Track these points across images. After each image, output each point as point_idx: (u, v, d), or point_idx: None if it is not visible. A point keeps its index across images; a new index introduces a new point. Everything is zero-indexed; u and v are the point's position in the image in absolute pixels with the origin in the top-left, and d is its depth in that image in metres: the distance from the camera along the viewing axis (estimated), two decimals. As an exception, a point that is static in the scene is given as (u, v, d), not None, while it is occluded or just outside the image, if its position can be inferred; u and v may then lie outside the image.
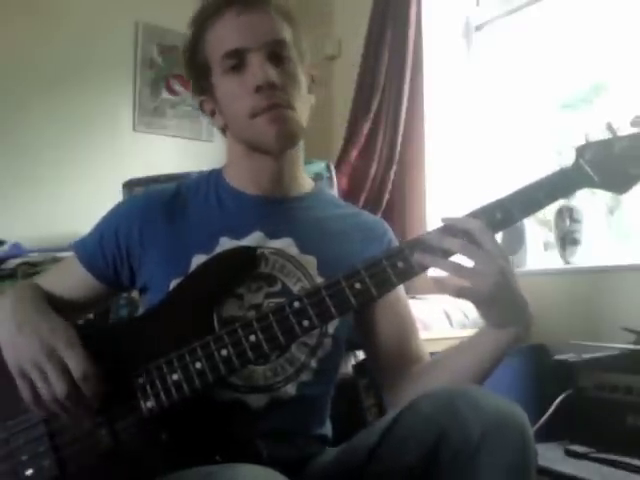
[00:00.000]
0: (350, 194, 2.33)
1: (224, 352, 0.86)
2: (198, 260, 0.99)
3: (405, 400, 0.94)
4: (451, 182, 2.38)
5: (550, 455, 1.43)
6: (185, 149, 2.81)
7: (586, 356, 1.54)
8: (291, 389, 0.98)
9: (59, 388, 0.85)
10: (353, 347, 1.19)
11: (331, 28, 2.91)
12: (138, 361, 0.89)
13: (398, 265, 0.86)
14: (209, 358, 0.86)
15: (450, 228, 0.86)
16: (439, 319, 1.86)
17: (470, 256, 0.84)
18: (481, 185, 2.40)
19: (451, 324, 1.87)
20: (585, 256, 1.93)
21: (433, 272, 0.91)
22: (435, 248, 0.85)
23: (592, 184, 0.89)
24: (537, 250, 2.11)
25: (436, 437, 0.78)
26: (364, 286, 0.85)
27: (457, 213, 0.89)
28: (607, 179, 0.89)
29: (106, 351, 0.91)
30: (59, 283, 1.07)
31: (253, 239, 1.02)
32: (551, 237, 2.05)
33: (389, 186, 2.36)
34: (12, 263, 2.07)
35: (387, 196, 2.36)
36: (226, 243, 1.01)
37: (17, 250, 2.19)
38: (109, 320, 1.63)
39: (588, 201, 1.98)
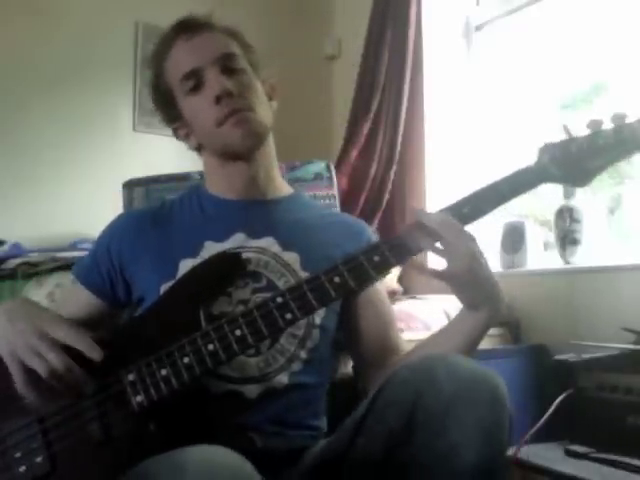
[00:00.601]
0: (350, 194, 2.33)
1: (211, 346, 0.89)
2: (185, 264, 1.07)
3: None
4: (451, 182, 2.38)
5: (550, 455, 1.43)
6: (185, 149, 2.79)
7: (586, 356, 1.54)
8: (284, 378, 1.03)
9: (55, 362, 0.87)
10: (342, 347, 1.21)
11: (331, 28, 2.91)
12: (129, 359, 0.92)
13: (374, 259, 0.91)
14: (196, 353, 0.90)
15: (421, 223, 0.93)
16: (439, 319, 1.85)
17: (442, 243, 0.92)
18: (481, 185, 2.40)
19: (451, 324, 1.87)
20: (585, 256, 1.93)
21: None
22: (412, 240, 0.92)
23: (554, 179, 0.97)
24: (537, 250, 2.11)
25: (412, 399, 0.82)
26: (343, 279, 0.90)
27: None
28: (567, 173, 0.97)
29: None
30: (66, 305, 1.15)
31: (236, 240, 1.10)
32: (551, 237, 2.05)
33: (389, 186, 2.36)
34: (12, 263, 2.07)
35: (387, 196, 2.36)
36: (211, 246, 1.09)
37: (17, 250, 2.19)
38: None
39: (588, 201, 1.98)
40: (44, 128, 2.49)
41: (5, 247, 2.20)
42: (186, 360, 0.89)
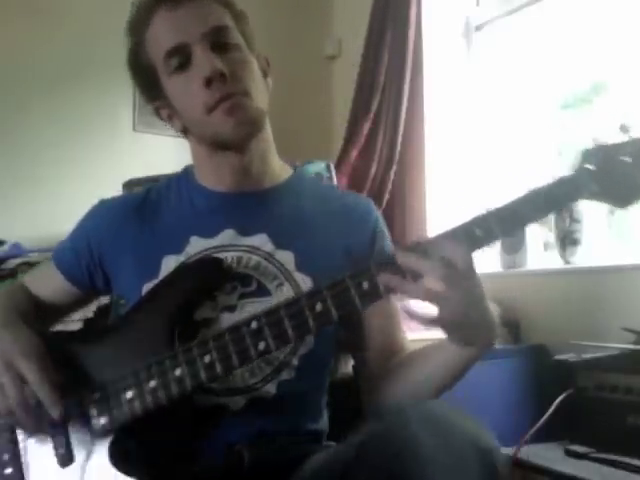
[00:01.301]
0: (350, 194, 2.33)
1: (178, 371, 0.84)
2: (168, 261, 0.99)
3: (383, 391, 0.98)
4: (451, 182, 2.38)
5: (550, 455, 1.43)
6: (185, 149, 2.78)
7: (586, 356, 1.54)
8: (271, 388, 0.95)
9: (12, 399, 0.86)
10: (343, 347, 1.18)
11: (331, 28, 2.91)
12: (96, 376, 0.89)
13: (363, 286, 0.80)
14: (162, 376, 0.84)
15: (422, 249, 0.80)
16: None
17: (440, 278, 0.78)
18: (481, 185, 2.40)
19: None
20: (585, 256, 1.93)
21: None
22: (404, 269, 0.79)
23: (591, 195, 0.84)
24: (537, 250, 2.11)
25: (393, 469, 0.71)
26: (325, 307, 0.81)
27: (446, 224, 0.84)
28: (609, 189, 0.82)
29: (66, 363, 0.91)
30: (43, 285, 1.10)
31: (224, 237, 0.99)
32: (551, 237, 2.04)
33: (389, 186, 2.36)
34: (12, 263, 2.07)
35: (387, 196, 2.36)
36: (197, 242, 0.99)
37: (17, 250, 2.19)
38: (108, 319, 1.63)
39: (588, 201, 1.98)
40: (44, 128, 2.49)
41: (5, 247, 2.20)
42: (152, 384, 0.84)
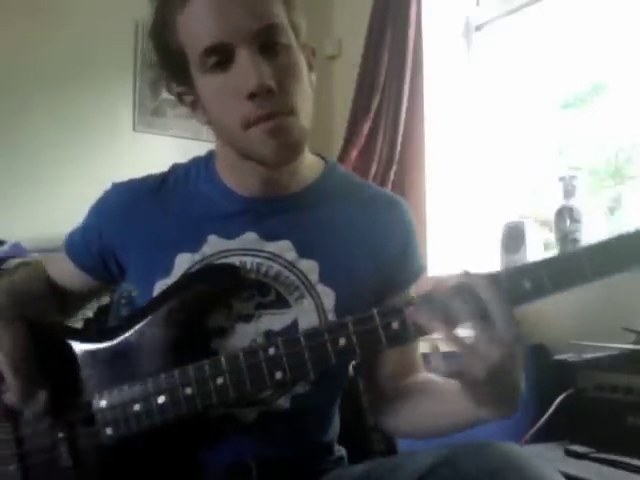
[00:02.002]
0: (350, 194, 2.33)
1: (188, 390, 0.80)
2: (182, 260, 0.92)
3: (393, 415, 0.94)
4: (451, 182, 2.38)
5: (550, 455, 1.43)
6: (185, 149, 2.80)
7: (586, 356, 1.54)
8: (284, 402, 0.90)
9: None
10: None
11: (331, 28, 2.91)
12: (103, 382, 0.86)
13: (392, 326, 0.74)
14: (172, 393, 0.81)
15: (463, 289, 0.71)
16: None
17: (476, 328, 0.69)
18: (481, 185, 2.40)
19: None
20: (585, 256, 1.93)
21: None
22: (439, 311, 0.71)
23: None
24: (537, 250, 2.11)
25: None
26: (349, 344, 0.75)
27: (475, 267, 0.76)
28: None
29: (70, 366, 0.88)
30: (62, 271, 1.05)
31: (246, 240, 0.92)
32: (551, 237, 2.05)
33: (389, 186, 2.36)
34: (12, 263, 2.07)
35: (387, 196, 2.36)
36: (215, 242, 0.92)
37: (17, 250, 2.19)
38: (108, 318, 1.63)
39: (588, 201, 1.98)
40: (44, 128, 2.49)
41: (5, 247, 2.20)
42: (160, 400, 0.81)
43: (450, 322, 0.71)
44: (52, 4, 2.54)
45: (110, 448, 0.84)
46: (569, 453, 1.43)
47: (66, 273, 1.04)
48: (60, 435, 0.85)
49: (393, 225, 0.97)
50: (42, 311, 0.98)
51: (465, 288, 0.70)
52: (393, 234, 0.96)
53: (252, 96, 0.80)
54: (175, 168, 1.02)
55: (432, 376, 0.93)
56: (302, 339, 0.77)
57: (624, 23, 1.97)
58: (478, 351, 0.69)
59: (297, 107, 0.84)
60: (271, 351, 0.77)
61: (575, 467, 1.35)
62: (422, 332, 0.73)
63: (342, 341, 0.75)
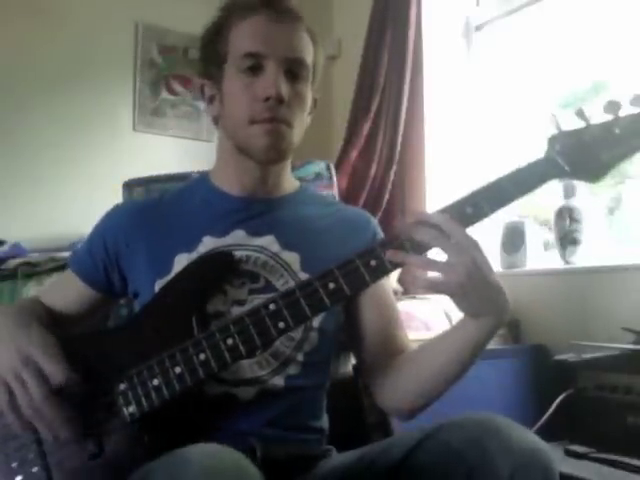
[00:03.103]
0: (350, 194, 2.33)
1: (202, 356, 0.88)
2: (180, 259, 1.04)
3: (391, 389, 1.01)
4: (451, 182, 2.38)
5: (550, 455, 1.43)
6: (185, 149, 2.81)
7: (586, 356, 1.54)
8: (279, 381, 1.00)
9: (35, 394, 0.86)
10: (344, 347, 1.19)
11: (331, 28, 2.91)
12: (121, 368, 0.91)
13: (371, 263, 0.87)
14: (188, 362, 0.88)
15: (421, 223, 0.87)
16: (439, 319, 1.86)
17: (442, 247, 0.85)
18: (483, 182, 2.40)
19: (451, 324, 1.87)
20: (585, 256, 1.93)
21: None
22: (406, 243, 0.86)
23: (563, 174, 0.90)
24: (537, 250, 2.11)
25: (465, 473, 0.79)
26: (337, 285, 0.87)
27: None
28: (579, 168, 0.89)
29: (89, 359, 0.93)
30: (59, 296, 1.12)
31: (235, 237, 1.05)
32: (551, 237, 2.05)
33: (389, 186, 2.36)
34: (12, 263, 2.07)
35: (387, 196, 2.36)
36: (209, 241, 1.05)
37: (17, 250, 2.19)
38: (108, 320, 1.63)
39: (588, 201, 1.98)
40: (44, 128, 2.49)
41: (5, 247, 2.21)
42: (177, 370, 0.88)
43: (418, 250, 0.86)
44: (52, 4, 2.54)
45: (130, 428, 0.89)
46: (569, 453, 1.43)
47: (67, 295, 1.12)
48: (85, 424, 0.89)
49: (360, 225, 1.15)
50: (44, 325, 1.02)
51: (422, 222, 0.86)
52: (361, 231, 1.13)
53: (267, 99, 0.99)
54: (166, 191, 1.20)
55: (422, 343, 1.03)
56: (297, 290, 0.88)
57: (624, 22, 1.97)
58: (451, 263, 0.84)
59: (294, 123, 1.03)
60: (272, 306, 0.88)
61: (575, 467, 1.35)
62: (397, 263, 0.87)
63: (331, 285, 0.87)
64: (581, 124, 0.91)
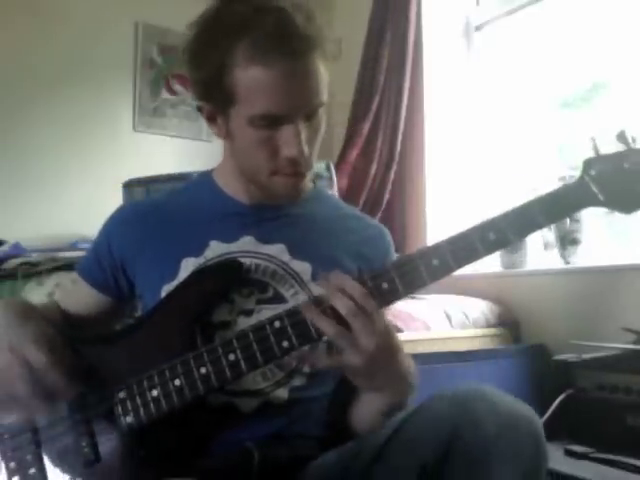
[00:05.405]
0: (350, 194, 2.33)
1: (203, 370, 0.86)
2: (187, 264, 1.00)
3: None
4: (451, 182, 2.38)
5: (550, 455, 1.42)
6: (185, 149, 2.81)
7: (586, 356, 1.54)
8: (283, 393, 0.97)
9: (19, 384, 0.86)
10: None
11: (331, 28, 2.91)
12: (122, 375, 0.90)
13: (383, 286, 0.83)
14: (188, 375, 0.87)
15: (342, 291, 0.82)
16: (439, 319, 1.86)
17: (352, 324, 0.81)
18: (481, 185, 2.40)
19: (451, 324, 1.87)
20: (585, 256, 1.93)
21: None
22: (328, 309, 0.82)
23: (597, 203, 0.83)
24: (537, 250, 2.11)
25: (450, 434, 0.77)
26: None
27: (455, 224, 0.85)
28: (614, 198, 0.82)
29: (91, 360, 0.92)
30: (72, 301, 1.11)
31: (243, 243, 1.01)
32: (551, 237, 2.05)
33: (389, 186, 2.36)
34: (12, 263, 2.07)
35: (387, 196, 2.36)
36: (216, 246, 1.01)
37: (17, 250, 2.19)
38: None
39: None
40: (44, 128, 2.49)
41: (5, 247, 2.21)
42: (177, 382, 0.86)
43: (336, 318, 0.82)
44: (52, 4, 2.55)
45: (127, 439, 0.88)
46: (569, 453, 1.43)
47: (80, 300, 1.10)
48: (80, 430, 0.88)
49: (374, 238, 1.09)
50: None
51: (342, 290, 0.81)
52: (374, 245, 1.08)
53: (290, 159, 0.93)
54: (172, 192, 1.14)
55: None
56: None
57: (624, 22, 1.97)
58: (356, 344, 0.80)
59: (310, 168, 0.97)
60: (277, 324, 0.85)
61: (575, 467, 1.35)
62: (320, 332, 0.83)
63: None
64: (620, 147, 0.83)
